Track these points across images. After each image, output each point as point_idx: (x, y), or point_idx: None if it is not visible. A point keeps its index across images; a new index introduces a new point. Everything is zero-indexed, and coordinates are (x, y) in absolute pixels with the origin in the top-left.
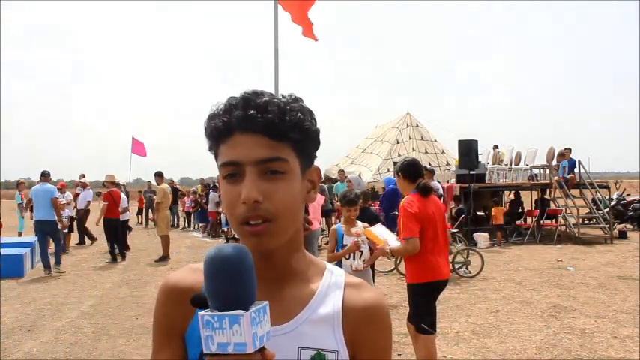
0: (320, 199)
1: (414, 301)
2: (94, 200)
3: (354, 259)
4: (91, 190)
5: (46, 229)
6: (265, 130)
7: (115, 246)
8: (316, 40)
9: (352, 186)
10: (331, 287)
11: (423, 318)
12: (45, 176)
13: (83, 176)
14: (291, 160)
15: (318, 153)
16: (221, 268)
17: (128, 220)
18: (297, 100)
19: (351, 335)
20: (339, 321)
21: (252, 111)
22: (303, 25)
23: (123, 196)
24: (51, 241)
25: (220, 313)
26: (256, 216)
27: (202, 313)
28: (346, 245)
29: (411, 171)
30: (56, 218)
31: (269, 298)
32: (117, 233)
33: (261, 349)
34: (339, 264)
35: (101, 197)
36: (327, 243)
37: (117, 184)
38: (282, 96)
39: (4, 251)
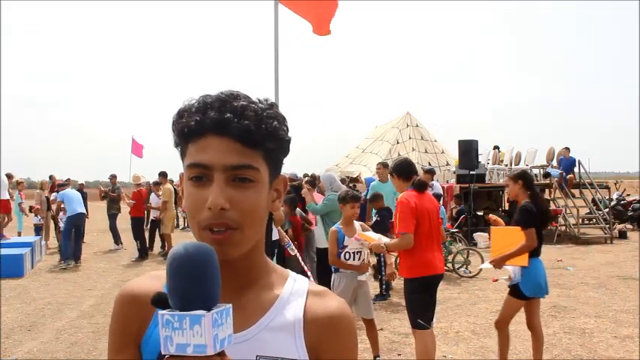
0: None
1: (410, 296)
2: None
3: (353, 259)
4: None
5: (77, 222)
6: (240, 136)
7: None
8: (330, 33)
9: (323, 186)
10: (293, 295)
11: (419, 313)
12: (64, 185)
13: (52, 178)
14: (261, 168)
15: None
16: (184, 265)
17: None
18: (272, 106)
19: (313, 344)
20: (300, 329)
21: (228, 114)
22: (319, 21)
23: (153, 194)
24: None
25: (181, 312)
26: (220, 223)
27: (162, 312)
28: (347, 246)
29: (405, 169)
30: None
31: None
32: (141, 231)
33: (221, 353)
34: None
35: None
36: None
37: (142, 185)
38: (259, 100)
39: (4, 251)
